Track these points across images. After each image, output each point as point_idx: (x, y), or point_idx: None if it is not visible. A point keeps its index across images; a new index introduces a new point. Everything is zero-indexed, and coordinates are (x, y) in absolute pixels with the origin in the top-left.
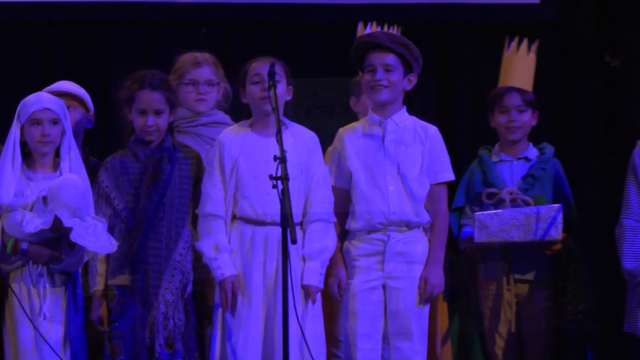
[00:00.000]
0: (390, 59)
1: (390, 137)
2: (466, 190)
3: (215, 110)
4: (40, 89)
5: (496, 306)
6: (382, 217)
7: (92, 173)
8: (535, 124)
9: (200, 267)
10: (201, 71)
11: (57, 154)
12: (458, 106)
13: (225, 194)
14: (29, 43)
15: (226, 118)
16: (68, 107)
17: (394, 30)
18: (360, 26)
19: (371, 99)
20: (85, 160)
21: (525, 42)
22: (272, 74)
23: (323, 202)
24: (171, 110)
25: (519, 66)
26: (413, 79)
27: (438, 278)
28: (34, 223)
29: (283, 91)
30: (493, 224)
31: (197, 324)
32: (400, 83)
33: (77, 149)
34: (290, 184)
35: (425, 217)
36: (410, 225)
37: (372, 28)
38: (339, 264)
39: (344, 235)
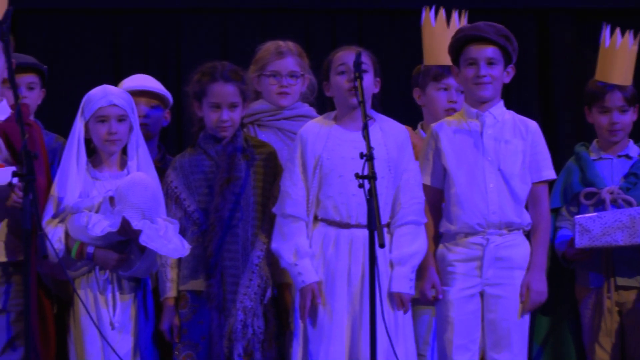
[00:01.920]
0: (491, 51)
1: (489, 132)
2: (563, 190)
3: (299, 103)
4: (110, 79)
5: (596, 315)
6: (481, 218)
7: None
8: (636, 119)
9: (280, 271)
10: (284, 62)
11: (124, 151)
12: (559, 98)
13: (307, 193)
14: (100, 30)
15: (311, 111)
16: (150, 107)
17: (460, 17)
18: (425, 11)
19: (474, 95)
20: (162, 160)
21: (628, 34)
22: (358, 64)
23: (413, 202)
24: (244, 104)
25: (620, 60)
26: (511, 70)
27: (541, 285)
28: (101, 225)
29: (370, 83)
30: (595, 228)
31: (278, 331)
32: (501, 76)
33: (145, 147)
34: (378, 182)
35: (527, 219)
36: (510, 227)
37: (440, 16)
38: (431, 267)
39: (437, 238)
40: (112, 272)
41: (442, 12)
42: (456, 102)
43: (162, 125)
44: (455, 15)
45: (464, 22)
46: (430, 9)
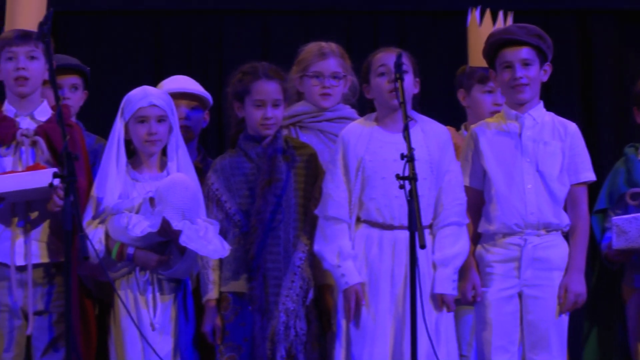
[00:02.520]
0: (525, 52)
1: (528, 133)
2: (609, 191)
3: (341, 105)
4: (152, 80)
5: None
6: (519, 219)
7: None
8: None
9: (322, 272)
10: (327, 63)
11: (164, 152)
12: (601, 100)
13: (350, 195)
14: (142, 32)
15: (353, 113)
16: (189, 107)
17: (506, 18)
18: (471, 13)
19: (512, 98)
20: (202, 161)
21: None
22: (399, 65)
23: (455, 203)
24: (285, 103)
25: None
26: (548, 68)
27: (580, 286)
28: (141, 226)
29: (410, 84)
30: (632, 229)
31: (320, 333)
32: (538, 76)
33: (185, 148)
34: (420, 184)
35: (565, 220)
36: (549, 228)
37: (487, 18)
38: (472, 268)
39: (476, 238)
40: (152, 273)
41: (487, 13)
42: (501, 104)
43: (202, 126)
44: (500, 16)
45: (509, 23)
46: (476, 10)
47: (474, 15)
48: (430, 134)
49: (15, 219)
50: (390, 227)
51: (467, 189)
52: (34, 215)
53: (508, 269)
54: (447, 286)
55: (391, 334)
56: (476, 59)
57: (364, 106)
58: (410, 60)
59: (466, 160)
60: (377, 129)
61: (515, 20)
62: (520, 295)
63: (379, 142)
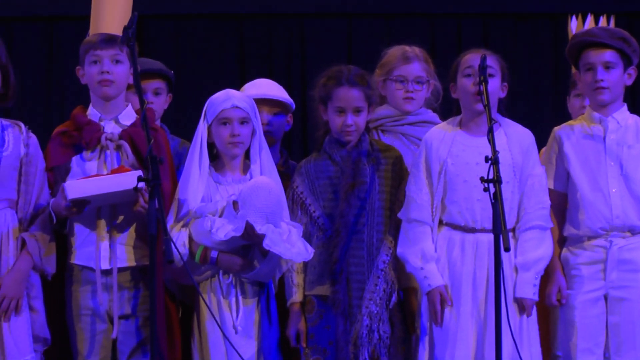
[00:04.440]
0: (609, 55)
1: (612, 136)
2: None
3: (423, 109)
4: (235, 83)
5: None
6: (604, 222)
7: (290, 178)
8: None
9: (405, 275)
10: (410, 67)
11: (247, 155)
12: None
13: (432, 198)
14: (225, 35)
15: (435, 117)
16: (271, 113)
17: (604, 21)
18: (574, 20)
19: (592, 100)
20: (284, 164)
21: None
22: (483, 68)
23: (538, 207)
24: (369, 108)
25: None
26: (633, 72)
27: None
28: (225, 230)
29: (497, 87)
30: None
31: (404, 336)
32: (621, 80)
33: (268, 151)
34: (503, 187)
35: None
36: (634, 231)
37: (591, 23)
38: (557, 270)
39: (561, 241)
40: (235, 276)
41: (588, 18)
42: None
43: (285, 130)
44: (601, 21)
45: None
46: (579, 16)
47: (580, 21)
48: (513, 137)
49: (101, 223)
50: (472, 230)
51: (551, 192)
52: (120, 219)
53: (594, 271)
54: (528, 291)
55: (473, 337)
56: None
57: (448, 110)
58: (499, 64)
59: (550, 163)
60: (460, 132)
61: (616, 24)
62: (605, 297)
63: (462, 145)
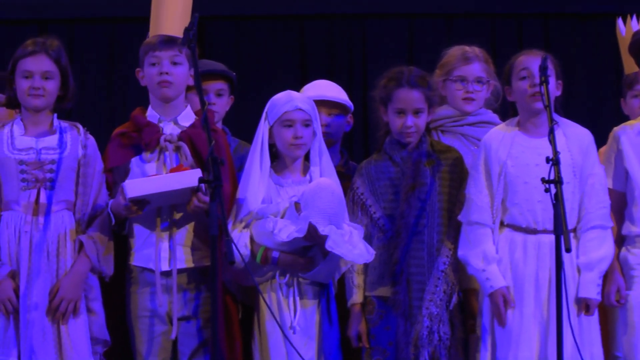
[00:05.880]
0: None
1: None
2: None
3: (483, 109)
4: (296, 84)
5: None
6: None
7: (350, 178)
8: None
9: (466, 277)
10: (471, 67)
11: (307, 157)
12: None
13: (492, 200)
14: (286, 36)
15: (495, 118)
16: (329, 115)
17: None
18: (621, 22)
19: None
20: (344, 165)
21: None
22: (544, 69)
23: (599, 207)
24: (429, 109)
25: None
26: None
27: None
28: (287, 231)
29: (553, 86)
30: None
31: (464, 337)
32: None
33: (327, 153)
34: (564, 187)
35: None
36: None
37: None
38: (616, 270)
39: (619, 241)
40: (292, 276)
41: (628, 19)
42: None
43: (345, 131)
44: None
45: None
46: (631, 17)
47: (628, 23)
48: (572, 137)
49: (160, 224)
50: (534, 232)
51: (610, 192)
52: (180, 220)
53: None
54: (592, 290)
55: (536, 338)
56: (629, 66)
57: (507, 111)
58: (552, 63)
59: (609, 163)
60: (518, 133)
61: None
62: None
63: (521, 146)
